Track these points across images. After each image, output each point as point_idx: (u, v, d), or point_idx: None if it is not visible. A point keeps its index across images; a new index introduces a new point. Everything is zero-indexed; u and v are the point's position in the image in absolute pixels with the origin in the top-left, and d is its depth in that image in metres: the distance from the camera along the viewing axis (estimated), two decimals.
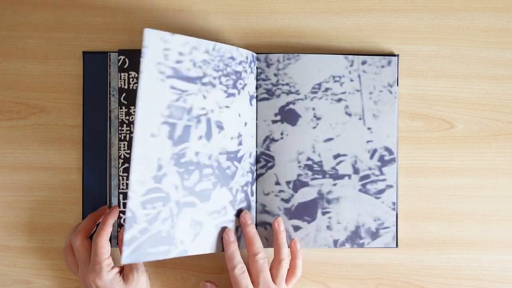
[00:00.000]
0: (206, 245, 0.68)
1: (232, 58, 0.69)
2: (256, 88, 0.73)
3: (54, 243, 0.75)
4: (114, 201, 0.73)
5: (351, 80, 0.73)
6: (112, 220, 0.70)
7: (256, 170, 0.73)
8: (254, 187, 0.73)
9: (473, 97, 0.75)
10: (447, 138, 0.75)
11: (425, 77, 0.75)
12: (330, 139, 0.73)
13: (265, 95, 0.73)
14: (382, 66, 0.73)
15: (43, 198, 0.75)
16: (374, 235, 0.73)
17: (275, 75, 0.73)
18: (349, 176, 0.73)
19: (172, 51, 0.63)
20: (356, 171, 0.73)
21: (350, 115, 0.73)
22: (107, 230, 0.69)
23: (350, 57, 0.73)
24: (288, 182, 0.73)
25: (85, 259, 0.69)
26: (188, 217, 0.66)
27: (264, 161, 0.73)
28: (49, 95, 0.75)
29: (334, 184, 0.73)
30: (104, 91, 0.74)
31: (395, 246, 0.73)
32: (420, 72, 0.75)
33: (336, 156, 0.73)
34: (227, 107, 0.68)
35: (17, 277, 0.75)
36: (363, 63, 0.73)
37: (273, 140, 0.73)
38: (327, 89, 0.73)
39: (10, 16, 0.75)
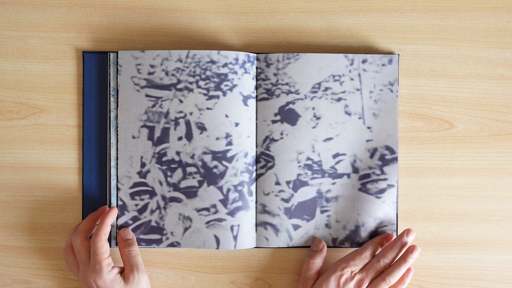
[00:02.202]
0: (198, 241, 0.72)
1: (212, 62, 0.71)
2: (256, 88, 0.73)
3: (54, 243, 0.75)
4: (114, 201, 0.73)
5: (351, 79, 0.73)
6: (110, 220, 0.70)
7: (256, 170, 0.73)
8: (253, 187, 0.73)
9: (473, 97, 0.75)
10: (447, 138, 0.75)
11: (425, 77, 0.75)
12: (329, 139, 0.73)
13: (265, 95, 0.73)
14: (383, 65, 0.73)
15: (43, 198, 0.75)
16: (374, 234, 0.73)
17: (275, 74, 0.73)
18: (348, 175, 0.73)
19: (144, 65, 0.72)
20: (355, 170, 0.73)
21: (349, 114, 0.73)
22: (105, 230, 0.69)
23: (350, 55, 0.73)
24: (288, 182, 0.73)
25: (86, 259, 0.69)
26: (176, 211, 0.72)
27: (264, 161, 0.73)
28: (49, 95, 0.75)
29: (333, 183, 0.73)
30: (104, 91, 0.74)
31: None
32: (420, 72, 0.75)
33: (335, 156, 0.73)
34: (208, 109, 0.71)
35: (17, 277, 0.75)
36: (364, 61, 0.73)
37: (273, 140, 0.73)
38: (327, 89, 0.73)
39: (10, 16, 0.75)
